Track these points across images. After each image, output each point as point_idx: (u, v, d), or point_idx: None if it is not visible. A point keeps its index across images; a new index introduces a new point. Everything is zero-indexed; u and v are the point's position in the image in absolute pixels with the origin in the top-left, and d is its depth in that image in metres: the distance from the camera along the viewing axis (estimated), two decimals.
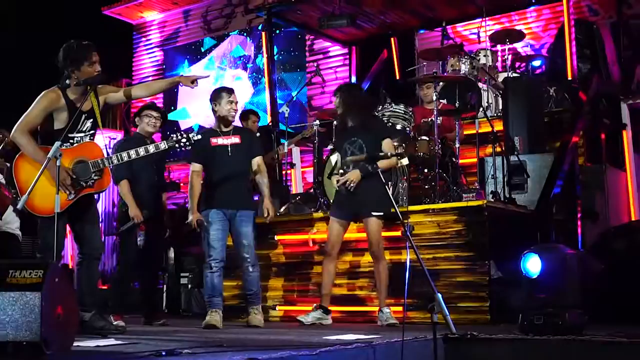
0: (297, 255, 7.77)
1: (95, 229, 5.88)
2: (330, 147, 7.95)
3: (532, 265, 5.32)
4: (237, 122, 7.35)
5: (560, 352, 4.69)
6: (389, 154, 6.11)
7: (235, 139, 6.81)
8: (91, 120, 5.66)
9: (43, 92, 5.56)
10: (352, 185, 6.55)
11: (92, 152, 5.59)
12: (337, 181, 6.67)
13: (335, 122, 7.55)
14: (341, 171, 6.75)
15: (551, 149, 8.12)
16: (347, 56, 12.45)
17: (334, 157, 7.08)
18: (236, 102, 6.87)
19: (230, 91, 6.89)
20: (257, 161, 6.88)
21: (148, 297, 7.51)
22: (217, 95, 6.80)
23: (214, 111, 6.81)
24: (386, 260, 6.70)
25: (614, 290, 6.43)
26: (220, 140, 6.78)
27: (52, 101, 5.53)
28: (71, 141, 5.54)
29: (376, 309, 6.91)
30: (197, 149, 6.62)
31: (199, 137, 5.99)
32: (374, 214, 6.59)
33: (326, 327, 6.51)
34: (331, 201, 7.26)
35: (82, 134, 5.62)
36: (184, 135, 5.86)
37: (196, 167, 6.82)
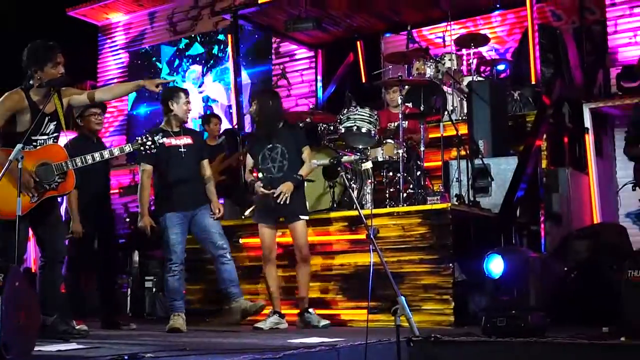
0: (261, 258, 7.74)
1: (59, 232, 5.83)
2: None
3: (495, 266, 5.37)
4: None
5: (522, 354, 4.72)
6: (329, 161, 6.13)
7: (188, 140, 6.79)
8: (54, 122, 5.60)
9: (6, 94, 5.50)
10: (287, 196, 6.65)
11: (55, 155, 5.52)
12: (273, 194, 6.68)
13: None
14: (263, 182, 6.75)
15: (515, 152, 8.18)
16: (313, 59, 12.46)
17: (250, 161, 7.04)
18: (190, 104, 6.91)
19: (187, 92, 6.91)
20: (205, 164, 6.90)
21: (105, 301, 7.42)
22: (175, 95, 6.75)
23: (169, 110, 6.74)
24: None
25: (575, 293, 6.51)
26: (174, 141, 6.73)
27: (15, 103, 5.47)
28: (34, 144, 5.48)
29: (343, 311, 6.95)
30: None
31: (163, 140, 5.97)
32: (302, 217, 6.78)
33: (284, 331, 6.52)
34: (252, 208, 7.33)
35: (45, 137, 5.56)
36: (149, 138, 5.83)
37: (147, 167, 6.74)
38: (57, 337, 5.37)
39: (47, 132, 5.57)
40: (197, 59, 13.83)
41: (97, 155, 5.64)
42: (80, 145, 6.88)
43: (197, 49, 13.86)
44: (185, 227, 6.71)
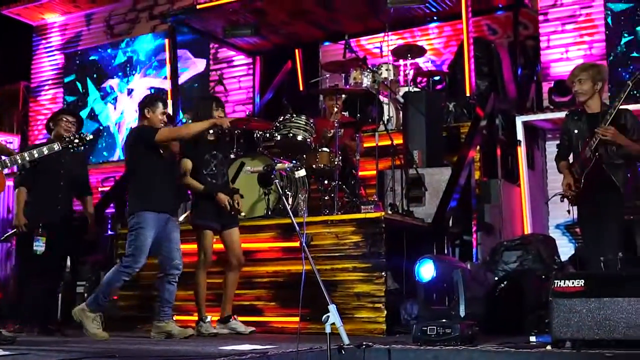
0: (194, 264, 7.67)
1: None
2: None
3: (426, 271, 5.44)
4: None
5: None
6: (262, 168, 6.09)
7: None
8: None
9: None
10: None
11: None
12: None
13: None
14: (207, 188, 6.73)
15: (449, 163, 8.29)
16: (252, 66, 12.44)
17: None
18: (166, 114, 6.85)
19: (165, 102, 6.82)
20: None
21: (43, 307, 7.29)
22: (153, 103, 6.64)
23: (145, 117, 6.61)
24: None
25: (505, 302, 6.60)
26: None
27: None
28: None
29: (275, 319, 6.95)
30: None
31: (92, 137, 5.94)
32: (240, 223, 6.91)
33: (224, 337, 6.50)
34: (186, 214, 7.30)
35: None
36: (76, 136, 5.86)
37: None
38: None
39: None
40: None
41: (26, 154, 5.61)
42: None
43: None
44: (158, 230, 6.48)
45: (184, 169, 6.77)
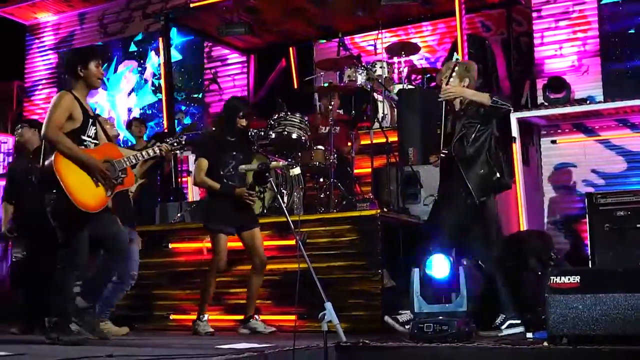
0: (190, 263, 7.70)
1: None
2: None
3: (441, 268, 5.41)
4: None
5: (448, 359, 4.80)
6: (257, 166, 6.05)
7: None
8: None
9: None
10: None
11: (114, 153, 5.74)
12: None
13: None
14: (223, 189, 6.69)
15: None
16: (246, 64, 12.42)
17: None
18: None
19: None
20: None
21: (28, 309, 7.30)
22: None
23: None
24: None
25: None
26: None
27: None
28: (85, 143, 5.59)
29: (272, 317, 6.94)
30: None
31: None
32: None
33: (221, 336, 6.49)
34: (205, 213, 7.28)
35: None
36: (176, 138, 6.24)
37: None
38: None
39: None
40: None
41: (144, 152, 5.90)
42: None
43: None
44: None
45: (199, 168, 6.75)
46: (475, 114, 5.92)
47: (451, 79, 6.01)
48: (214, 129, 7.11)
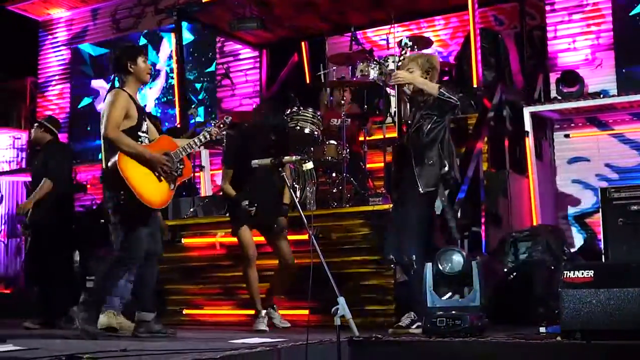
0: (203, 258, 7.71)
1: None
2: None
3: (455, 264, 5.41)
4: None
5: (461, 354, 4.79)
6: (270, 161, 5.98)
7: None
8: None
9: None
10: None
11: (170, 144, 5.79)
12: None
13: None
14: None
15: (456, 154, 8.25)
16: (258, 59, 12.42)
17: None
18: None
19: None
20: None
21: (44, 303, 7.38)
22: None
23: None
24: None
25: (514, 293, 6.60)
26: None
27: None
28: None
29: (285, 312, 6.93)
30: None
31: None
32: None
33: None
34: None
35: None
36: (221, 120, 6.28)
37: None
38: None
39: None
40: None
41: (196, 139, 5.94)
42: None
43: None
44: None
45: (225, 176, 6.75)
46: (433, 105, 5.89)
47: (416, 71, 5.99)
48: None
